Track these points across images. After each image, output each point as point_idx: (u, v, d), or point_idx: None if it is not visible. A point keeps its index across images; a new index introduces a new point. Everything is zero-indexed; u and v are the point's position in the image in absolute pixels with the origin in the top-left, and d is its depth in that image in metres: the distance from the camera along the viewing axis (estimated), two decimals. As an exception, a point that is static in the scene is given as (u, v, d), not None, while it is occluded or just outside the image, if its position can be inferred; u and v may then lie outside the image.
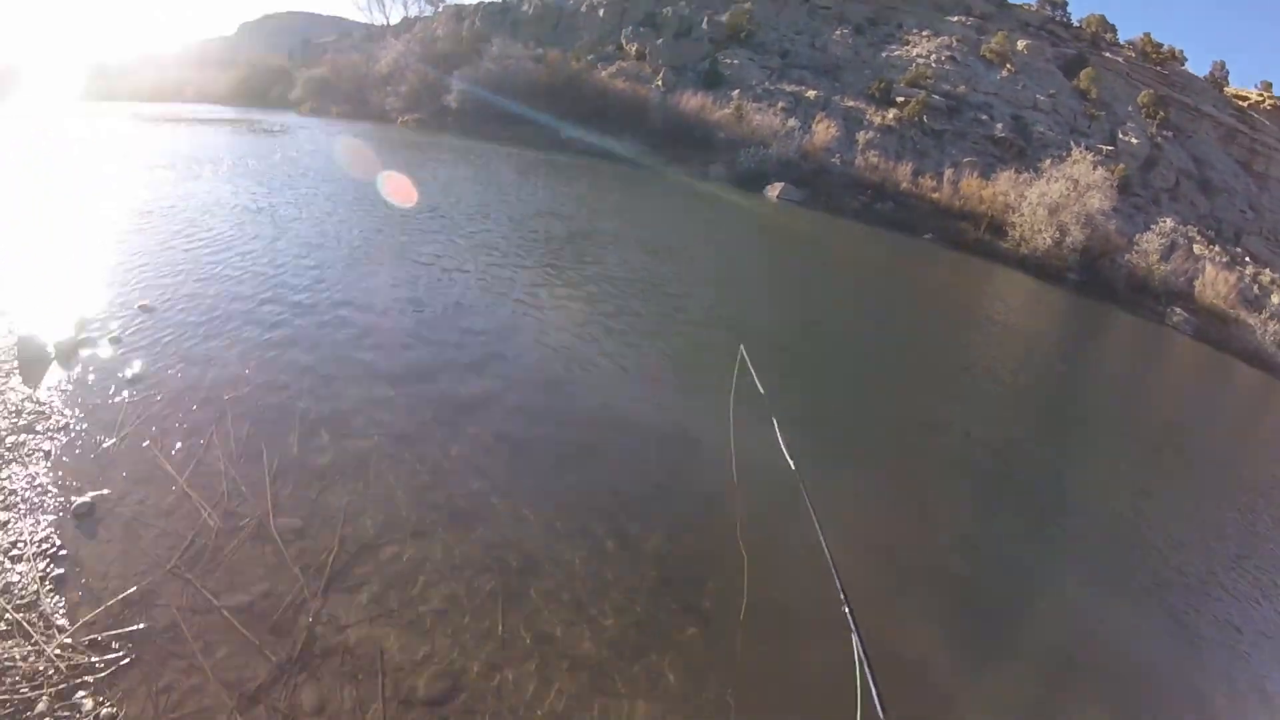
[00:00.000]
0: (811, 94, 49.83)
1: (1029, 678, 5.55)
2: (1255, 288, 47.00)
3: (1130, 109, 57.26)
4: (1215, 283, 42.73)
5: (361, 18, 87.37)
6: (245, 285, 8.94)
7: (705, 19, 59.06)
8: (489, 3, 72.52)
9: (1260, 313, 43.30)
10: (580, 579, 5.24)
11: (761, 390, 4.68)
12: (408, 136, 38.34)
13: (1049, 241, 39.25)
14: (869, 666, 2.28)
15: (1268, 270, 49.87)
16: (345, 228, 13.24)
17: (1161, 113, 57.63)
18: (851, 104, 49.28)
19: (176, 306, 7.82)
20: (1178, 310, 40.71)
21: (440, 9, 76.05)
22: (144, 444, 5.50)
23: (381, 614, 4.58)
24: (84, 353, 6.52)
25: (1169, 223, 48.02)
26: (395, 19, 75.56)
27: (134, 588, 4.34)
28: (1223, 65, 67.46)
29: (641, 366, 9.27)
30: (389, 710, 4.06)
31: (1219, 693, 6.23)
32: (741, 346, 5.11)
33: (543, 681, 4.45)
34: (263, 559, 4.74)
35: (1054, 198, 39.93)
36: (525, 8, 69.09)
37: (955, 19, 61.86)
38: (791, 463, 3.93)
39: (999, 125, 49.98)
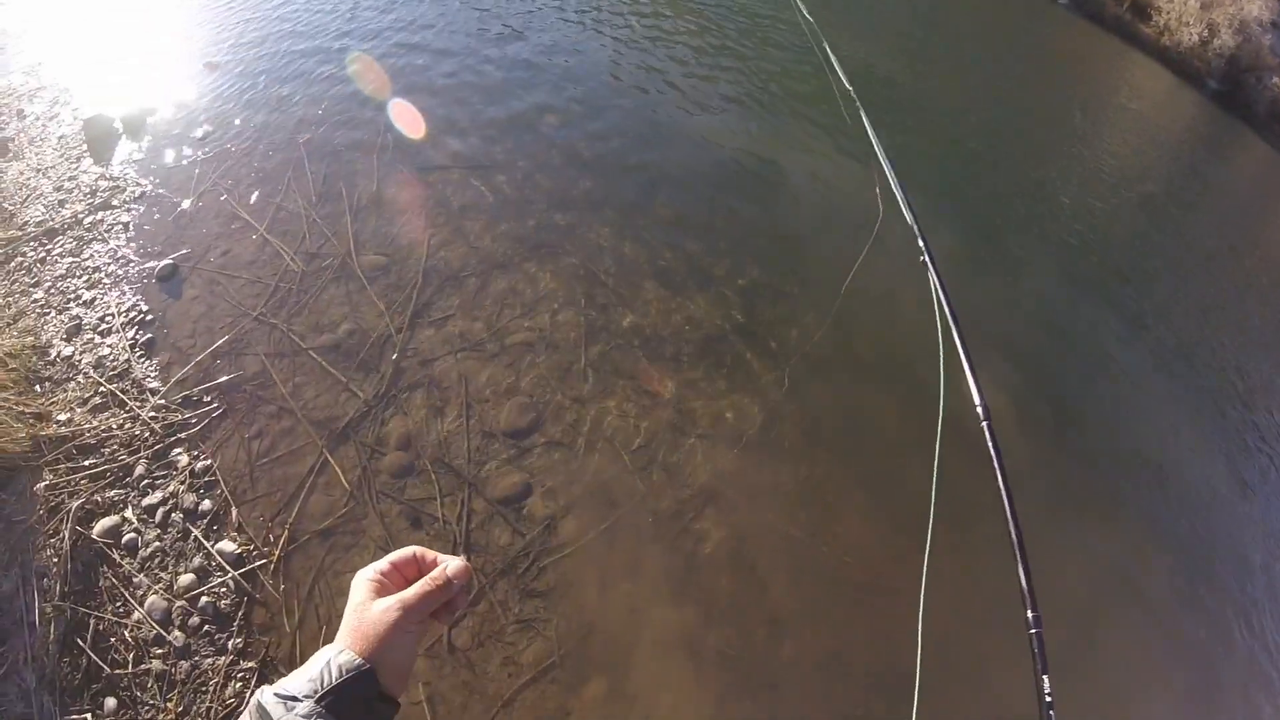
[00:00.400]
0: None
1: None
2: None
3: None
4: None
5: None
6: (313, 27, 8.08)
7: None
8: None
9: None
10: (662, 315, 4.90)
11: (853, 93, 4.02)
12: None
13: (1195, 38, 35.18)
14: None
15: None
16: None
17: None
18: None
19: (242, 59, 7.14)
20: (1321, 156, 36.78)
21: None
22: (221, 198, 5.12)
23: (465, 348, 4.35)
24: (151, 120, 6.00)
25: (1330, 58, 42.83)
26: None
27: (221, 340, 4.13)
28: None
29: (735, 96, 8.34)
30: (473, 443, 3.91)
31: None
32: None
33: (621, 416, 4.25)
34: (348, 298, 4.48)
35: (1211, -9, 35.80)
36: None
37: None
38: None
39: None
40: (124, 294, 4.38)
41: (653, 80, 7.78)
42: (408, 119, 6.17)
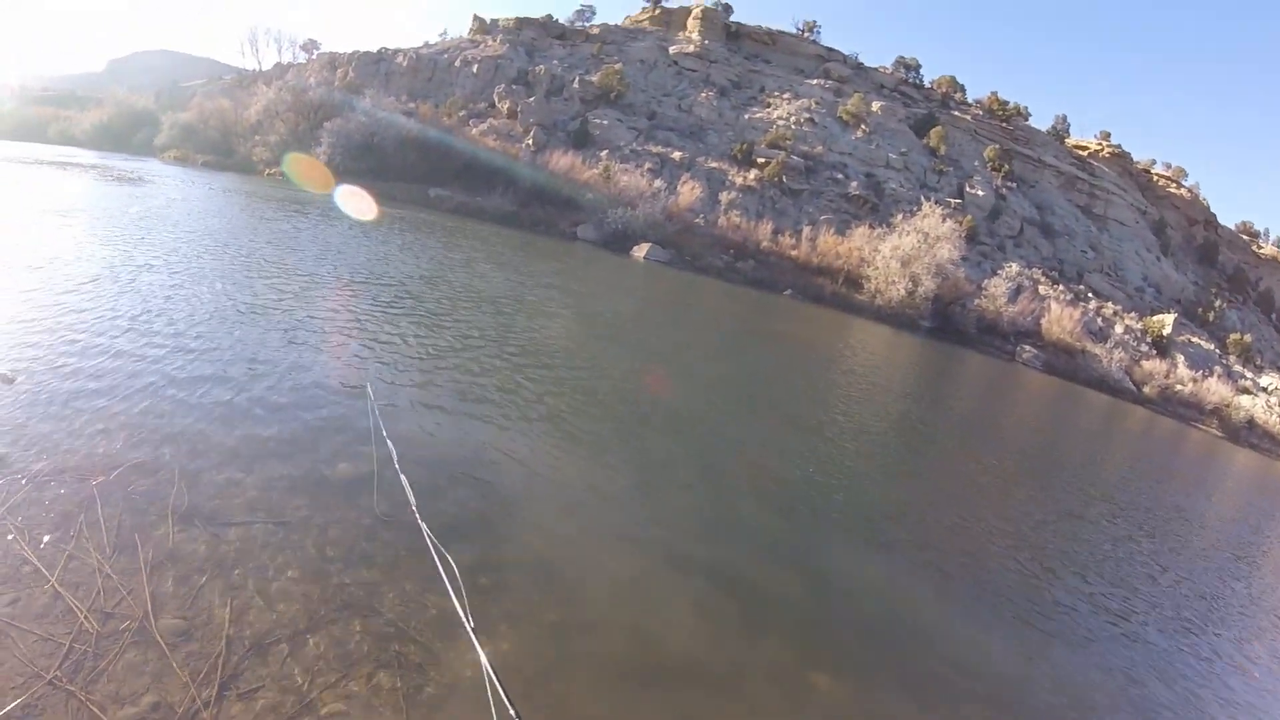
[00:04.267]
0: (677, 155, 51.54)
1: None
2: (1099, 320, 51.09)
3: (977, 163, 61.52)
4: (1060, 319, 46.61)
5: (234, 60, 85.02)
6: (110, 350, 8.38)
7: (576, 79, 60.42)
8: (363, 53, 71.83)
9: (1104, 343, 47.26)
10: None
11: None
12: (273, 191, 37.09)
13: (902, 292, 41.65)
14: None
15: (1109, 304, 54.18)
16: (208, 287, 12.65)
17: (1006, 165, 62.22)
18: (715, 165, 51.25)
19: (38, 377, 7.28)
20: (1027, 347, 43.96)
21: (314, 56, 75.02)
22: (9, 538, 5.06)
23: (276, 723, 4.34)
24: (-68, 439, 5.98)
25: (1014, 267, 51.75)
26: (268, 64, 74.07)
27: (14, 703, 3.98)
28: (1064, 119, 73.97)
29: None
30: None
31: None
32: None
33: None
34: (148, 665, 4.40)
35: (906, 250, 42.45)
36: (400, 60, 68.86)
37: (815, 82, 65.43)
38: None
39: (854, 183, 52.89)
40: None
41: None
42: (205, 466, 6.38)
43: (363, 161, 45.67)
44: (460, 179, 45.86)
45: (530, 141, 52.15)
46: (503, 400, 10.24)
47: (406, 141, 47.92)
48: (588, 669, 5.31)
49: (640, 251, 39.54)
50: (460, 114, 56.38)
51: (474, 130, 53.50)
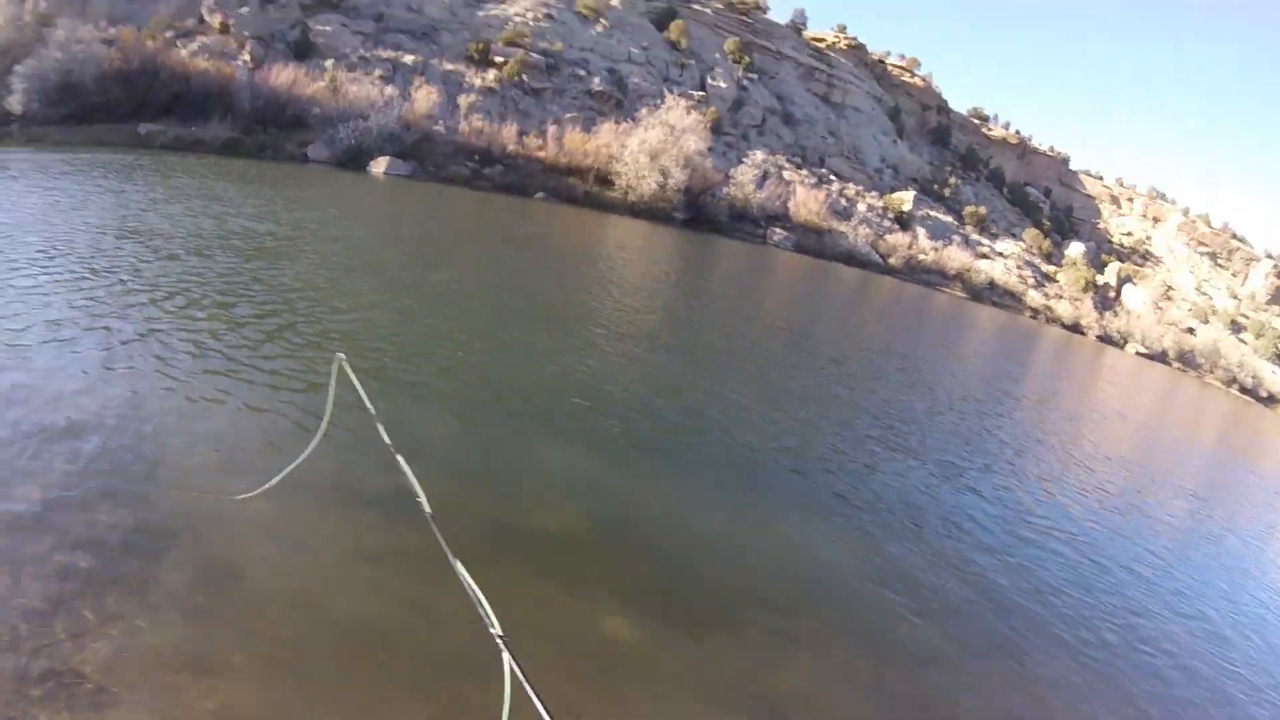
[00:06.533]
0: (410, 59, 48.47)
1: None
2: (843, 201, 54.12)
3: (718, 56, 62.21)
4: (806, 201, 48.99)
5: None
6: None
7: (294, -19, 55.28)
8: (55, -22, 61.97)
9: (849, 220, 50.12)
10: None
11: (370, 408, 4.17)
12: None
13: (654, 186, 41.83)
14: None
15: (851, 185, 57.27)
16: None
17: (747, 58, 63.35)
18: (451, 67, 48.65)
19: None
20: (778, 230, 45.83)
21: (-3, -11, 64.34)
22: None
23: None
24: None
25: (759, 155, 53.29)
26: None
27: None
28: (802, 12, 76.07)
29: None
30: None
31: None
32: (340, 357, 4.56)
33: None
34: None
35: (653, 144, 42.43)
36: (96, -19, 60.11)
37: (550, -26, 63.31)
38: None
39: (596, 79, 52.05)
40: None
41: None
42: None
43: (62, 106, 39.61)
44: (173, 111, 40.93)
45: (247, 57, 47.35)
46: (229, 352, 9.13)
47: (108, 75, 41.90)
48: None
49: (379, 167, 37.21)
50: (167, 35, 50.20)
51: (183, 52, 47.83)
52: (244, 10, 52.81)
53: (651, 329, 14.52)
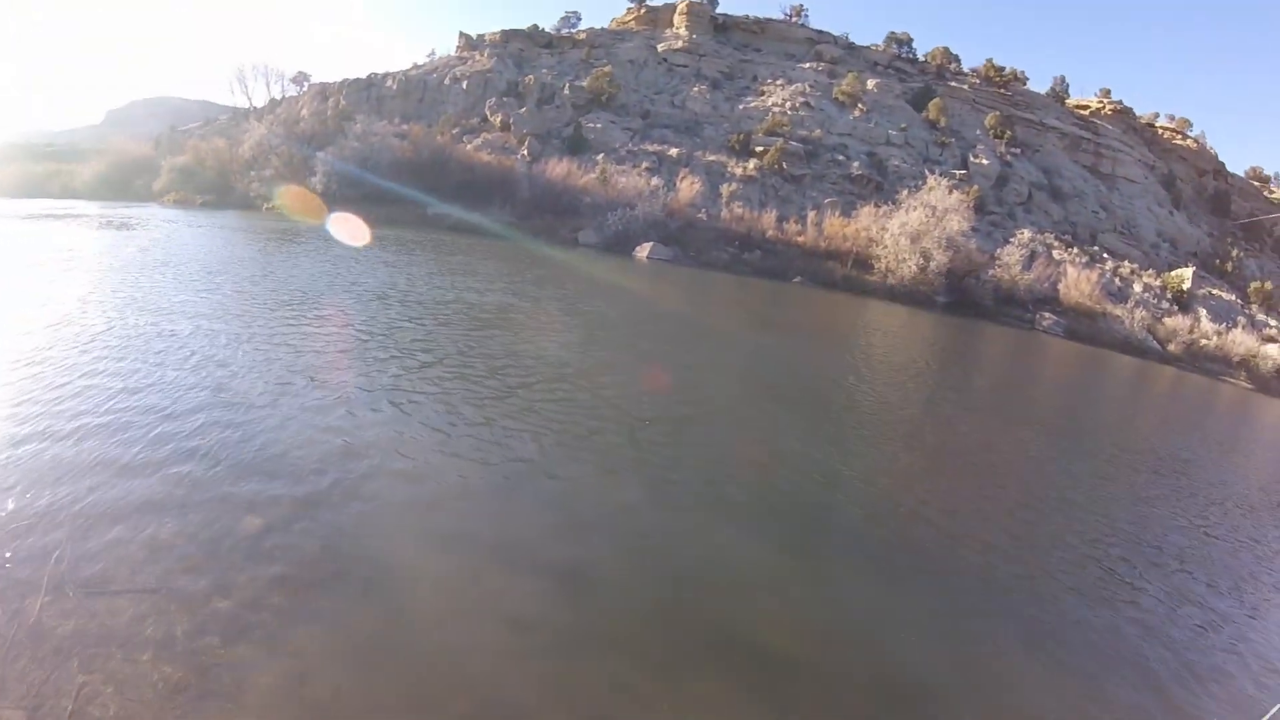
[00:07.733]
0: (674, 152, 50.95)
1: None
2: (1117, 281, 49.90)
3: (979, 132, 60.45)
4: (1078, 282, 45.45)
5: (227, 100, 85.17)
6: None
7: (566, 85, 60.03)
8: (353, 80, 71.76)
9: (1125, 303, 46.10)
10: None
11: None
12: (268, 224, 36.49)
13: (914, 269, 40.68)
14: None
15: (1126, 263, 52.89)
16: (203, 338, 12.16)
17: (1008, 132, 61.10)
18: (713, 158, 50.62)
19: None
20: (1047, 314, 42.92)
21: (305, 88, 75.09)
22: None
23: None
24: None
25: (1026, 233, 50.71)
26: (260, 101, 74.15)
27: None
28: (1063, 79, 72.49)
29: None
30: None
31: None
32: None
33: None
34: None
35: (914, 226, 41.43)
36: (389, 84, 68.72)
37: (807, 65, 64.72)
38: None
39: (855, 164, 52.07)
40: None
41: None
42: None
43: (358, 188, 45.34)
44: (458, 196, 45.41)
45: (525, 152, 51.81)
46: (499, 418, 9.64)
47: (400, 163, 47.58)
48: None
49: (643, 251, 38.96)
50: (453, 131, 56.10)
51: (468, 146, 53.18)
52: (523, 110, 57.93)
53: (911, 427, 13.81)
